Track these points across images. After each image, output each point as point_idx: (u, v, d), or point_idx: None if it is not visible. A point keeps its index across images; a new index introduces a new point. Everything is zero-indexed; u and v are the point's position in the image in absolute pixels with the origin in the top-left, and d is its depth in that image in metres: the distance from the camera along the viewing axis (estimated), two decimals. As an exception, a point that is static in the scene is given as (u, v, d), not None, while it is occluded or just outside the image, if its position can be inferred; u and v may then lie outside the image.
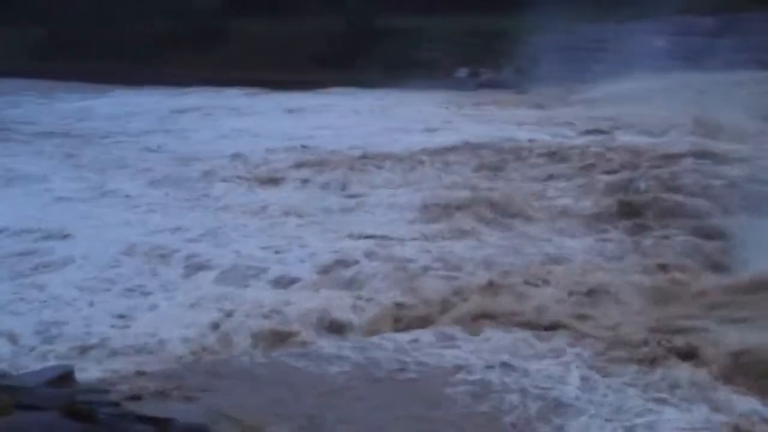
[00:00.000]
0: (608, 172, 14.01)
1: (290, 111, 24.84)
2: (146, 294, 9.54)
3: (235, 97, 28.80)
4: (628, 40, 27.92)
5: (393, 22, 34.43)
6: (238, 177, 15.22)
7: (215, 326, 8.34)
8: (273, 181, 14.95)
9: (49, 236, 11.66)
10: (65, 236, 11.65)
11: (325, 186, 14.47)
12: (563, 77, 26.95)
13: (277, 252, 10.75)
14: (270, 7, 37.00)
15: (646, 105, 20.61)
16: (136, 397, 5.72)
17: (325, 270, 9.99)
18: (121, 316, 8.79)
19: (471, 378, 6.78)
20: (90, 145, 19.71)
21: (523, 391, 6.49)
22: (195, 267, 10.25)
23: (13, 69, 37.25)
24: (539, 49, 28.51)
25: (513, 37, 29.64)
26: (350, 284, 9.49)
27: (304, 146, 17.91)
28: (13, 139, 20.80)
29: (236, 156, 17.10)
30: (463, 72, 31.28)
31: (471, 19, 32.78)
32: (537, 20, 28.39)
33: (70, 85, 32.81)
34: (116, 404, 4.62)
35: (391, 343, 7.52)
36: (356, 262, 10.15)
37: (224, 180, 15.13)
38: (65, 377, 5.41)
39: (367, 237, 11.25)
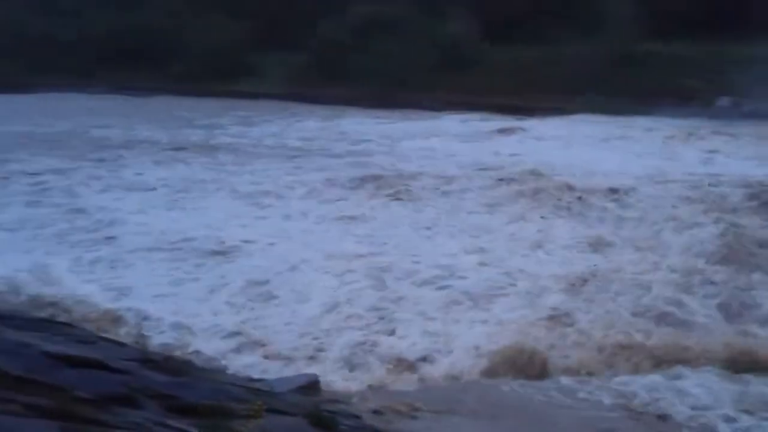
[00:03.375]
0: None
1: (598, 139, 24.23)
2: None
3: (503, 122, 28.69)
4: None
5: (651, 47, 33.26)
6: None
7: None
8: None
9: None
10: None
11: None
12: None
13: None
14: (527, 34, 37.05)
15: None
16: (377, 412, 5.75)
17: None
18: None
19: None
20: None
21: None
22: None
23: (277, 92, 40.50)
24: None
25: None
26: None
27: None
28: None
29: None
30: (724, 101, 29.26)
31: (733, 46, 30.87)
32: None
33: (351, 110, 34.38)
34: (357, 417, 4.65)
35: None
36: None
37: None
38: (312, 386, 5.59)
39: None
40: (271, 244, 12.47)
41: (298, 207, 15.22)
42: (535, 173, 16.83)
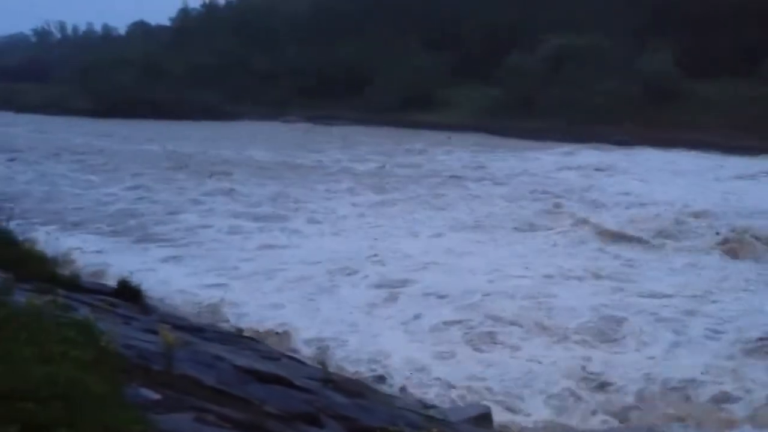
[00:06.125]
0: None
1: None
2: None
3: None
4: None
5: None
6: None
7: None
8: None
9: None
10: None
11: None
12: None
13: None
14: (730, 69, 35.24)
15: None
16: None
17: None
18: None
19: None
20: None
21: None
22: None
23: (463, 124, 40.79)
24: None
25: None
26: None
27: None
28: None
29: None
30: None
31: None
32: None
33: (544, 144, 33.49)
34: (531, 453, 4.60)
35: None
36: None
37: None
38: (484, 417, 5.60)
39: None
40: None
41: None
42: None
